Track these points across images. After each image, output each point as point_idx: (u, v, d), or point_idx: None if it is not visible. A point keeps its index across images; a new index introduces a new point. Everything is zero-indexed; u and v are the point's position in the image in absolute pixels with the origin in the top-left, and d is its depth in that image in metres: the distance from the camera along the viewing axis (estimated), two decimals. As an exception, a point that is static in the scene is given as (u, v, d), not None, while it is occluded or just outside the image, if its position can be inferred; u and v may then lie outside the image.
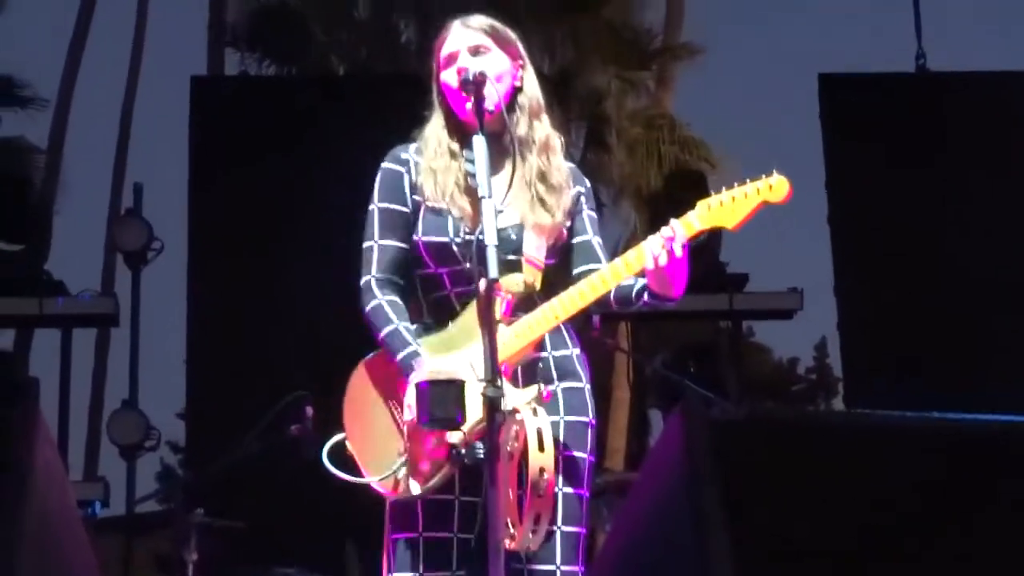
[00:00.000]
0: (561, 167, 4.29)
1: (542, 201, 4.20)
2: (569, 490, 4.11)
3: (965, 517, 2.37)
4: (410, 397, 3.99)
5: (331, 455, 4.17)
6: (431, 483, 4.03)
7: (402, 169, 4.28)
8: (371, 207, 4.28)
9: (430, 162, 4.24)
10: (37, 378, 9.70)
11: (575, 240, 4.29)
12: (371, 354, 4.25)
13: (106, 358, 23.59)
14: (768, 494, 2.30)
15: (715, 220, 3.99)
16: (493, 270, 3.68)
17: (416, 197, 4.23)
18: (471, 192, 4.11)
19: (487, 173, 3.87)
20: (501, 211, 3.92)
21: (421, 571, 4.09)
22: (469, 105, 4.09)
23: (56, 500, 2.64)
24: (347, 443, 4.19)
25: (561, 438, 4.11)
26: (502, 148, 4.17)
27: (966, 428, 2.50)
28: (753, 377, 20.13)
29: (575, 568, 4.10)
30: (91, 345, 23.27)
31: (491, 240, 3.71)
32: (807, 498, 2.32)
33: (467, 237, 4.13)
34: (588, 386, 4.25)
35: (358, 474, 4.13)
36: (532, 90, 4.32)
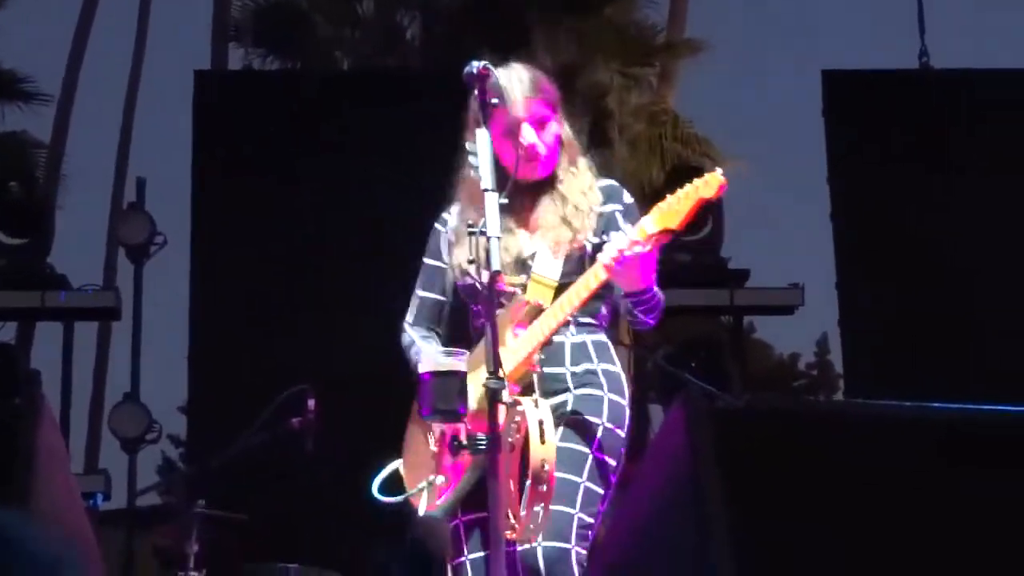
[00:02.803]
0: (588, 197, 4.43)
1: (568, 223, 4.34)
2: (561, 475, 4.11)
3: (962, 502, 2.39)
4: None
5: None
6: (445, 500, 4.10)
7: (442, 228, 4.56)
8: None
9: (454, 224, 4.49)
10: (39, 371, 9.67)
11: None
12: None
13: (108, 351, 23.64)
14: (769, 481, 2.31)
15: (664, 222, 4.11)
16: (496, 262, 3.71)
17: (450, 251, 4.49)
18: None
19: (490, 167, 3.91)
20: (504, 202, 3.94)
21: None
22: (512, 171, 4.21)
23: (61, 484, 2.66)
24: (401, 471, 4.33)
25: (560, 431, 4.15)
26: (541, 192, 4.38)
27: (962, 417, 2.51)
28: (754, 372, 20.10)
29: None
30: (93, 338, 23.32)
31: (493, 232, 3.74)
32: (806, 485, 2.33)
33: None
34: (611, 397, 4.28)
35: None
36: (569, 138, 4.50)
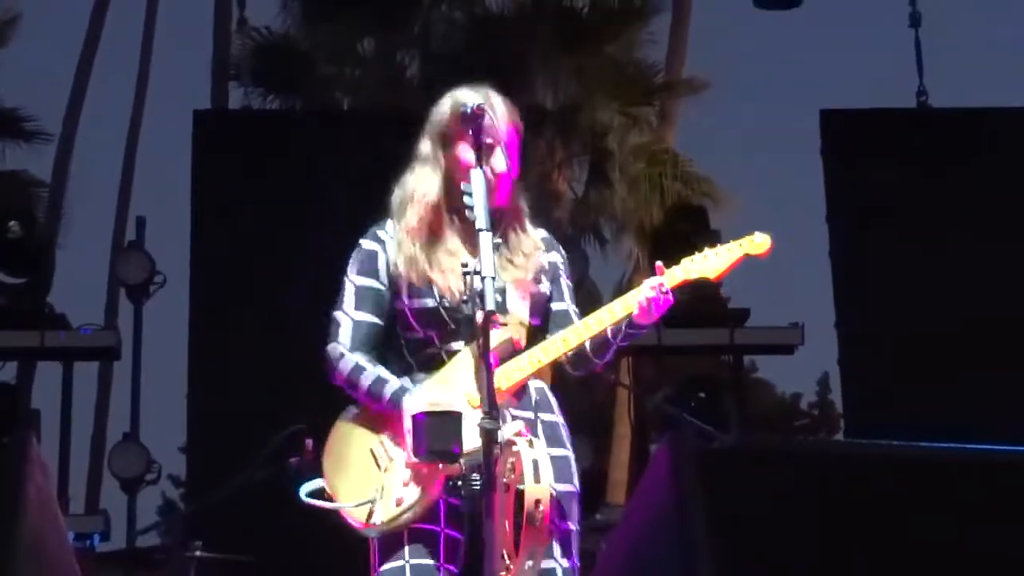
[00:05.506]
0: (531, 237, 4.41)
1: (512, 263, 4.30)
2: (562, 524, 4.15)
3: (951, 541, 2.38)
4: (407, 427, 4.02)
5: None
6: (403, 516, 4.06)
7: (378, 247, 4.40)
8: (346, 279, 4.41)
9: (408, 247, 4.33)
10: (38, 410, 9.66)
11: (554, 307, 4.42)
12: (347, 412, 4.34)
13: (108, 391, 23.56)
14: (753, 520, 2.30)
15: (698, 272, 4.23)
16: (490, 302, 3.71)
17: (394, 273, 4.33)
18: (449, 266, 4.23)
19: (485, 206, 3.91)
20: (498, 242, 3.95)
21: None
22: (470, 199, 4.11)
23: (48, 528, 2.65)
24: (326, 488, 4.23)
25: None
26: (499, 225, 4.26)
27: (951, 456, 2.51)
28: (756, 412, 20.07)
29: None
30: (93, 378, 23.25)
31: (487, 272, 3.74)
32: (794, 525, 2.32)
33: (454, 302, 4.19)
34: (572, 455, 4.31)
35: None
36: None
